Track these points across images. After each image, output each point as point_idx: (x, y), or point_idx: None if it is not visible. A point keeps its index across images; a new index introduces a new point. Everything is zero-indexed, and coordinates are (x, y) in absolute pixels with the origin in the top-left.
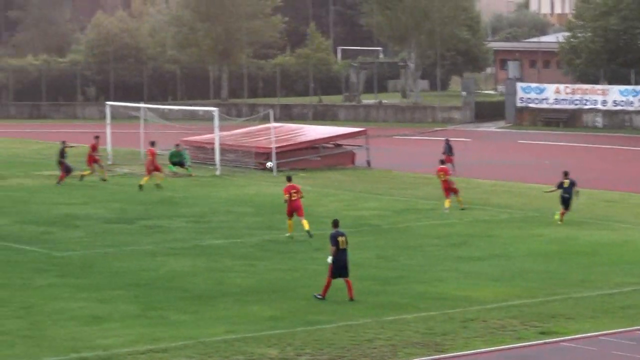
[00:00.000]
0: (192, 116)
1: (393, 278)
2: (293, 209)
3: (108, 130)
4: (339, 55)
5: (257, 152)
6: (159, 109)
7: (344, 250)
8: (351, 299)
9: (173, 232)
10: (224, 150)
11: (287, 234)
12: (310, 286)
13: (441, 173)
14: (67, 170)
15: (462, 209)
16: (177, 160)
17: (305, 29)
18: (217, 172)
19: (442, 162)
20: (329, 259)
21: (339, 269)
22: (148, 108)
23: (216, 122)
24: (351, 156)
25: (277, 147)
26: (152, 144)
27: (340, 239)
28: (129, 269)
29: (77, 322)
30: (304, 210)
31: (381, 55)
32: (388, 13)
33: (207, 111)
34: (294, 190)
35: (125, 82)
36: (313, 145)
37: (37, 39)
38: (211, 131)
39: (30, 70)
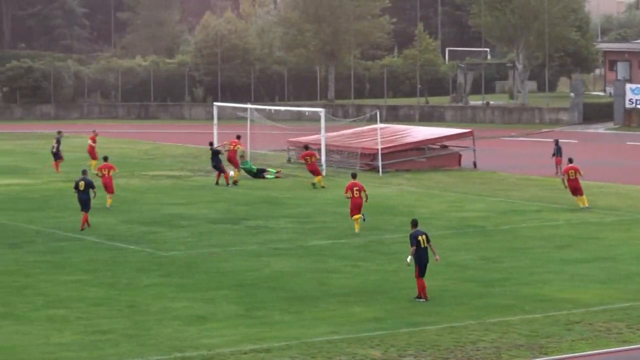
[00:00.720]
0: (299, 117)
1: (497, 280)
2: (356, 207)
3: (215, 131)
4: (447, 56)
5: (363, 153)
6: (265, 109)
7: (425, 249)
8: (424, 298)
9: (277, 232)
10: (329, 151)
11: (356, 231)
12: (414, 288)
13: (571, 171)
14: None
15: (585, 208)
16: (247, 168)
17: (413, 30)
18: (323, 173)
19: (571, 160)
20: (408, 259)
21: (422, 267)
22: (255, 109)
23: (322, 122)
24: (457, 157)
25: (383, 148)
26: (238, 137)
27: (420, 238)
28: (233, 269)
29: (181, 321)
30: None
31: (489, 56)
32: (497, 14)
33: (313, 112)
34: (357, 188)
35: (233, 83)
36: (419, 147)
37: (146, 40)
38: (317, 132)
39: (138, 71)
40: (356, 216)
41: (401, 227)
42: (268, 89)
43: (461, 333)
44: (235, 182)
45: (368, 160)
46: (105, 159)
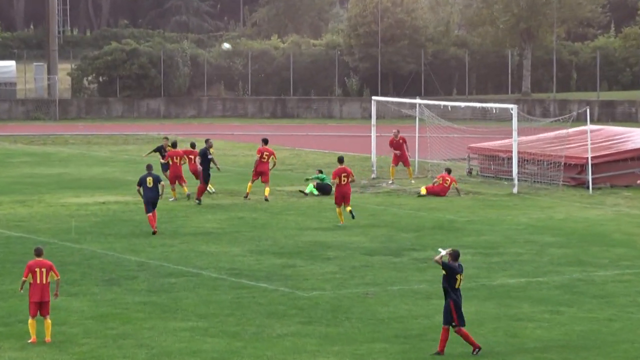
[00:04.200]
0: (483, 115)
1: None
2: (342, 195)
3: (373, 133)
4: None
5: (568, 164)
6: (439, 106)
7: (459, 291)
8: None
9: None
10: (523, 160)
11: (339, 224)
12: (635, 342)
13: None
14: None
15: None
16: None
17: (635, 0)
18: (514, 190)
19: None
20: (443, 252)
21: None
22: (426, 105)
23: (514, 123)
24: None
25: (594, 157)
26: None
27: (459, 277)
28: (395, 315)
29: None
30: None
31: None
32: None
33: (503, 109)
34: (345, 174)
35: (397, 71)
36: None
37: (284, 15)
38: (507, 135)
39: (274, 56)
40: (345, 207)
41: (617, 262)
42: (443, 79)
43: None
44: (189, 196)
45: (574, 172)
46: (175, 144)
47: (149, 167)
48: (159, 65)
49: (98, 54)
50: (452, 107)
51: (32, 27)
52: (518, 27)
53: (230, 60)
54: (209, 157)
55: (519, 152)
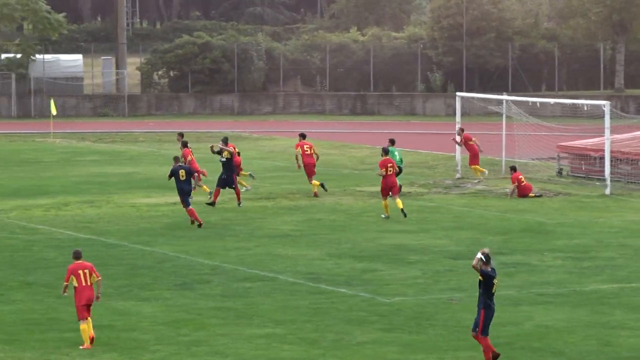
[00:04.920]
0: (574, 113)
1: None
2: (389, 186)
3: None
4: None
5: None
6: (528, 102)
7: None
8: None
9: (543, 272)
10: (616, 159)
11: (383, 216)
12: None
13: None
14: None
15: None
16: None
17: None
18: (607, 191)
19: None
20: (478, 255)
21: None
22: (513, 101)
23: (607, 121)
24: None
25: None
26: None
27: (496, 281)
28: None
29: None
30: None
31: None
32: None
33: (594, 106)
34: (391, 165)
35: (483, 66)
36: None
37: (364, 6)
38: (599, 133)
39: (354, 50)
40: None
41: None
42: (532, 74)
43: None
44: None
45: None
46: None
47: (177, 159)
48: (232, 59)
49: (169, 47)
50: (541, 103)
51: (99, 19)
52: (611, 19)
53: (308, 54)
54: (221, 159)
55: (611, 151)
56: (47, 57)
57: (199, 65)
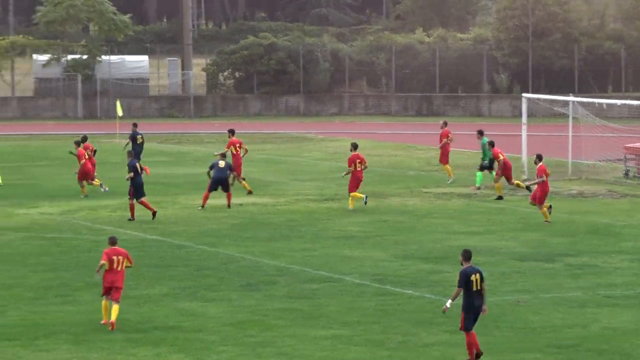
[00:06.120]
0: None
1: None
2: (358, 181)
3: (524, 133)
4: None
5: None
6: (594, 103)
7: (479, 294)
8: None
9: (610, 274)
10: None
11: (350, 208)
12: None
13: None
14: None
15: None
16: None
17: None
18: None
19: None
20: (448, 304)
21: (473, 318)
22: (579, 102)
23: None
24: None
25: None
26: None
27: (473, 277)
28: (547, 323)
29: None
30: None
31: None
32: None
33: None
34: (359, 160)
35: (549, 67)
36: None
37: (429, 7)
38: None
39: (419, 51)
40: (354, 194)
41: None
42: (598, 75)
43: None
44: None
45: None
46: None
47: (224, 155)
48: (298, 60)
49: (234, 48)
50: (608, 104)
51: (165, 20)
52: None
53: (373, 55)
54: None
55: None
56: (113, 58)
57: (264, 67)
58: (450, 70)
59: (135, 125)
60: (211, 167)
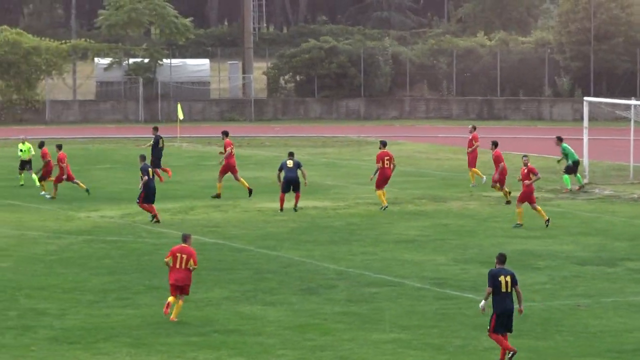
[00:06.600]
0: None
1: None
2: (385, 178)
3: (585, 137)
4: None
5: None
6: None
7: (510, 296)
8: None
9: None
10: None
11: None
12: None
13: None
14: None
15: None
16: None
17: None
18: None
19: None
20: (481, 305)
21: (503, 320)
22: None
23: None
24: None
25: None
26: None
27: (502, 278)
28: (609, 328)
29: None
30: None
31: None
32: None
33: None
34: (388, 157)
35: (611, 71)
36: None
37: (491, 10)
38: None
39: (481, 54)
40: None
41: None
42: None
43: None
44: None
45: None
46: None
47: (291, 154)
48: (359, 64)
49: (295, 52)
50: None
51: (226, 23)
52: None
53: (434, 58)
54: None
55: None
56: (174, 61)
57: (325, 70)
58: (512, 74)
59: (156, 128)
60: (280, 169)
